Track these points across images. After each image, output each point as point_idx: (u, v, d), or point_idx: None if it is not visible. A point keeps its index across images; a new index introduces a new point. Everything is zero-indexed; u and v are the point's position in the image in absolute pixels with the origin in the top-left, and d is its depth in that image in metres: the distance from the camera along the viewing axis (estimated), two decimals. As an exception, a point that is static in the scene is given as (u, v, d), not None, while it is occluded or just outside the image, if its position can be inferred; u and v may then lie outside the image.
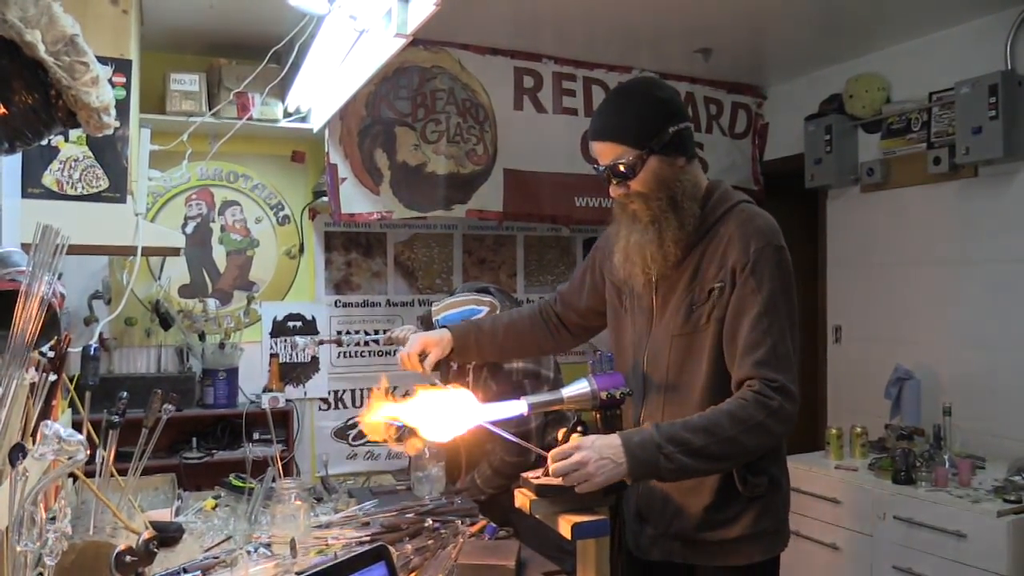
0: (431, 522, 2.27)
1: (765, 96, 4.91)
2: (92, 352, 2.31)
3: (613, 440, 1.59)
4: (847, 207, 4.33)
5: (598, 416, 1.71)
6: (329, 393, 4.35)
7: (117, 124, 1.59)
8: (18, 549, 0.96)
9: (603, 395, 1.68)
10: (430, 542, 2.12)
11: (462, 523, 2.28)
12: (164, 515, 2.24)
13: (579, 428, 1.69)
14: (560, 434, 1.70)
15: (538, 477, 1.65)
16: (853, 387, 4.26)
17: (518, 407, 1.69)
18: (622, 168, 1.77)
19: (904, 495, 3.15)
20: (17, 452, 0.99)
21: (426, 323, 3.08)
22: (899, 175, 4.00)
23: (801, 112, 4.44)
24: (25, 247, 1.52)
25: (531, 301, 2.95)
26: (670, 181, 1.79)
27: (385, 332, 3.03)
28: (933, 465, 3.21)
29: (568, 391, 1.70)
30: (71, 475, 1.49)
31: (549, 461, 1.61)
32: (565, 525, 1.56)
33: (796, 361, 1.71)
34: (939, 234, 3.83)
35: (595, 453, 1.56)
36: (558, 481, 1.62)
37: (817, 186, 4.32)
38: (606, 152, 1.80)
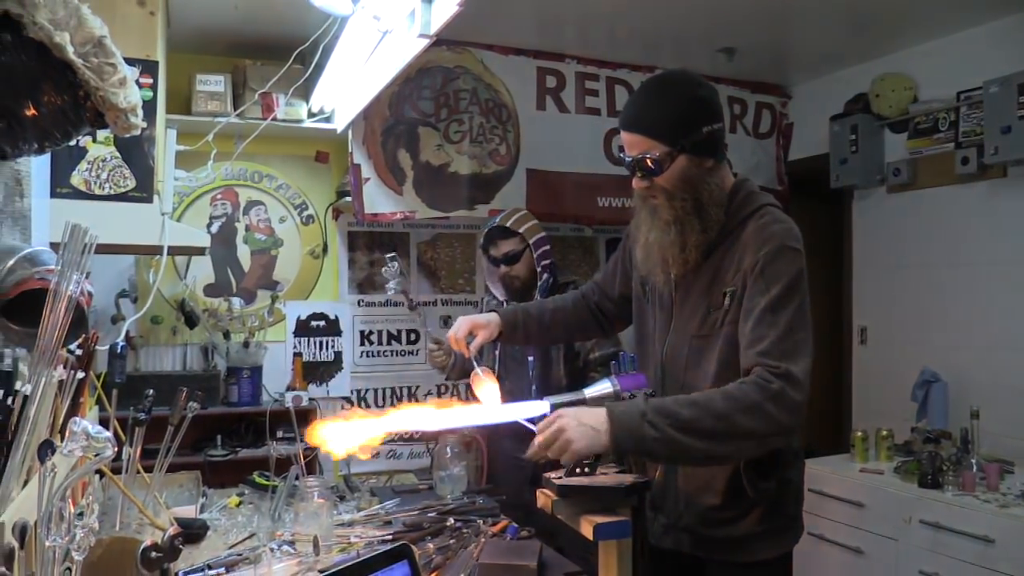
0: (453, 521, 2.28)
1: (790, 95, 4.88)
2: (119, 350, 2.33)
3: (598, 409, 1.57)
4: (873, 208, 4.29)
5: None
6: (352, 392, 4.37)
7: (144, 125, 1.61)
8: (47, 544, 0.97)
9: (626, 395, 1.67)
10: (452, 541, 2.12)
11: (484, 523, 2.28)
12: (189, 512, 2.26)
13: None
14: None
15: (560, 477, 1.65)
16: (879, 389, 4.22)
17: (540, 407, 1.68)
18: (649, 163, 1.73)
19: (930, 499, 3.11)
20: (46, 448, 1.01)
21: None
22: (926, 175, 3.96)
23: (826, 112, 4.40)
24: (54, 246, 1.54)
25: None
26: (697, 182, 1.76)
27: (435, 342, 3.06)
28: (960, 469, 3.17)
29: (591, 391, 1.69)
30: (98, 471, 1.51)
31: (537, 435, 1.59)
32: (587, 526, 1.56)
33: (807, 356, 1.64)
34: (967, 235, 3.78)
35: (574, 420, 1.54)
36: (579, 481, 1.62)
37: (842, 186, 4.28)
38: (635, 144, 1.76)
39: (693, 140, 1.73)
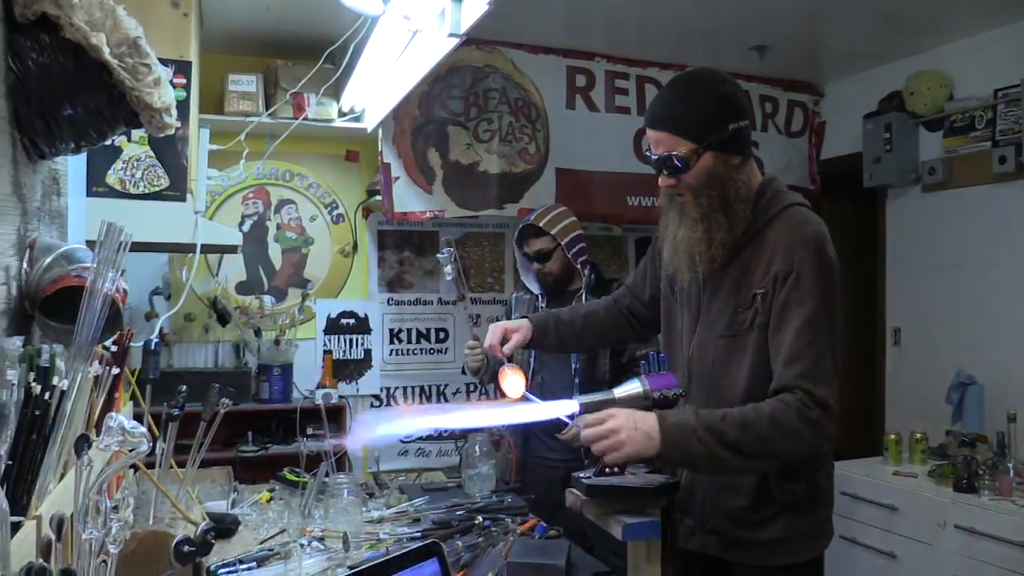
0: (481, 520, 2.28)
1: (822, 94, 4.82)
2: (153, 347, 2.36)
3: (649, 415, 1.60)
4: (907, 207, 4.23)
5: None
6: (381, 390, 4.39)
7: (178, 124, 1.62)
8: (84, 537, 0.98)
9: (656, 395, 1.66)
10: (480, 540, 2.13)
11: (512, 521, 2.29)
12: (221, 507, 2.28)
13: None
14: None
15: (589, 477, 1.64)
16: (913, 391, 4.16)
17: (570, 407, 1.68)
18: (676, 161, 1.73)
19: (966, 504, 3.06)
20: (82, 443, 1.02)
21: None
22: (962, 174, 3.89)
23: (859, 110, 4.34)
24: (90, 244, 1.56)
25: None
26: (723, 180, 1.75)
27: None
28: (997, 473, 3.12)
29: (620, 391, 1.68)
30: (132, 466, 1.53)
31: (581, 426, 1.62)
32: (616, 526, 1.55)
33: (838, 375, 1.68)
34: (1004, 235, 3.71)
35: (629, 422, 1.58)
36: (609, 481, 1.62)
37: (876, 185, 4.23)
38: (661, 142, 1.76)
39: (719, 137, 1.72)
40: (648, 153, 1.81)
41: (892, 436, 3.62)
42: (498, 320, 2.32)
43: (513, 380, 1.95)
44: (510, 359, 2.04)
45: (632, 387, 1.68)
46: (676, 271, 1.88)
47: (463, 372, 3.12)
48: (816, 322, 1.66)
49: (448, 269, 2.92)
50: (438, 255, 2.86)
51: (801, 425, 1.61)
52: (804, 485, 1.78)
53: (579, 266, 3.01)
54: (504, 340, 2.06)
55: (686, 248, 1.81)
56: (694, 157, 1.72)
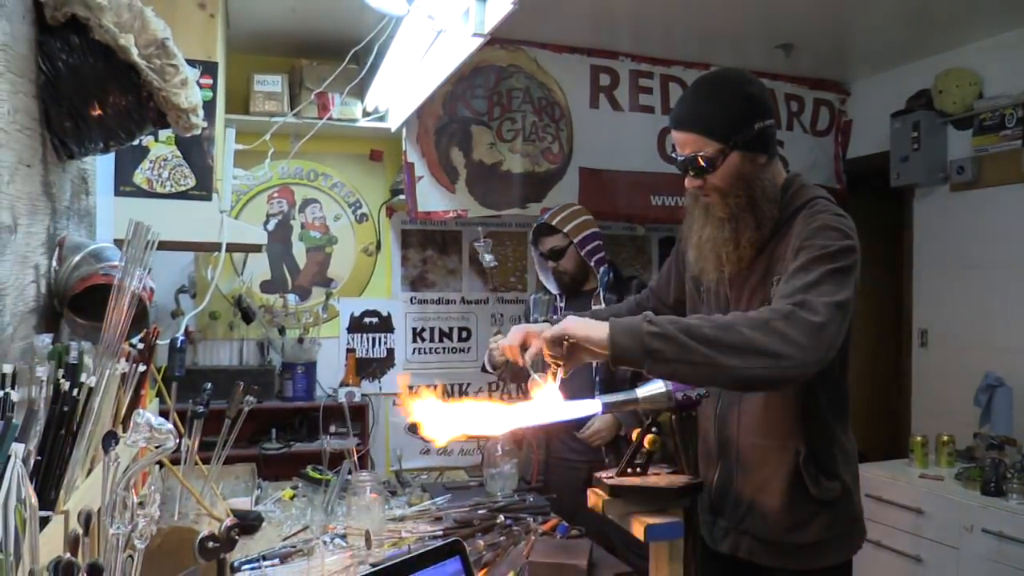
0: (503, 519, 2.28)
1: (849, 92, 4.77)
2: (179, 344, 2.39)
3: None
4: (935, 207, 4.18)
5: (673, 417, 1.69)
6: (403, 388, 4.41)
7: (204, 124, 1.64)
8: (111, 532, 0.99)
9: (679, 396, 1.65)
10: (502, 539, 2.13)
11: (534, 521, 2.29)
12: (244, 503, 2.30)
13: (654, 429, 1.67)
14: (634, 435, 1.69)
15: (612, 477, 1.64)
16: (940, 393, 4.11)
17: (592, 406, 1.68)
18: (702, 161, 1.73)
19: (994, 507, 3.02)
20: (110, 439, 1.03)
21: None
22: (991, 173, 3.84)
23: (887, 109, 4.29)
24: (118, 243, 1.58)
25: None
26: (750, 179, 1.75)
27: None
28: (1025, 476, 3.08)
29: (643, 391, 1.68)
30: (157, 462, 1.54)
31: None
32: (638, 526, 1.55)
33: (830, 295, 1.53)
34: (1034, 235, 3.66)
35: (578, 317, 1.61)
36: (632, 481, 1.61)
37: (903, 185, 4.18)
38: (687, 143, 1.75)
39: (745, 137, 1.72)
40: (674, 154, 1.80)
41: (918, 438, 3.58)
42: (520, 321, 2.32)
43: (546, 391, 1.93)
44: (537, 366, 2.02)
45: (655, 387, 1.68)
46: (702, 272, 1.87)
47: (483, 369, 3.11)
48: (809, 264, 1.59)
49: (489, 257, 2.96)
50: (476, 243, 2.89)
51: (769, 316, 1.49)
52: (838, 484, 1.76)
53: (593, 264, 3.00)
54: (524, 345, 2.02)
55: (712, 248, 1.80)
56: (720, 157, 1.72)
